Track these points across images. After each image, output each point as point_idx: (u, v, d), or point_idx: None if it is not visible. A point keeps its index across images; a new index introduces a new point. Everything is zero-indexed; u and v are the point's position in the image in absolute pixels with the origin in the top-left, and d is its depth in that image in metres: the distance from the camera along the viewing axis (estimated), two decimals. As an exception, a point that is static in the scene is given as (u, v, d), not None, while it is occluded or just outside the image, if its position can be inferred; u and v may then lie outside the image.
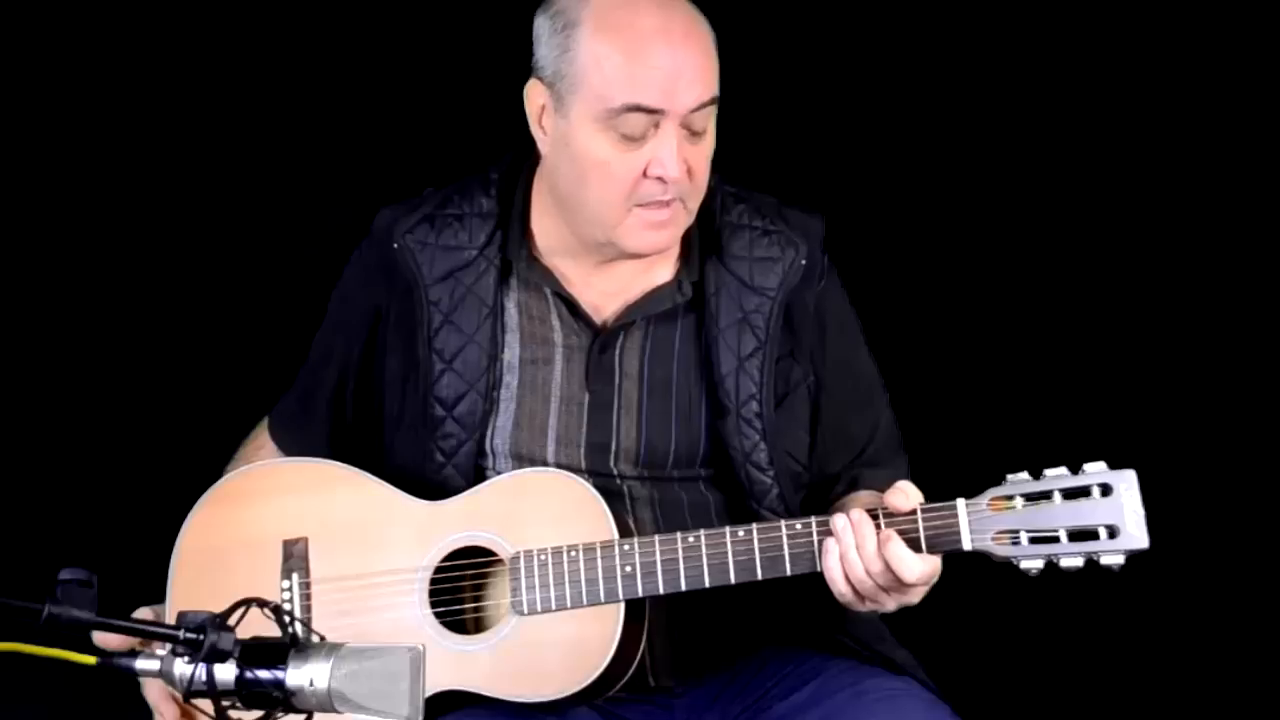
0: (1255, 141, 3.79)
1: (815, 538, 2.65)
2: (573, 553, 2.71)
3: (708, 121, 2.73)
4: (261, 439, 3.03)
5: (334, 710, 2.05)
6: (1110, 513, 2.55)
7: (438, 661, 2.67)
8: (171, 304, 3.84)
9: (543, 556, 2.71)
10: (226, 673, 2.06)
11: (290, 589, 2.79)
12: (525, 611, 2.71)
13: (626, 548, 2.69)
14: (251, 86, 3.81)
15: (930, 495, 2.66)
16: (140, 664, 2.10)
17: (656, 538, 2.70)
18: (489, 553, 2.75)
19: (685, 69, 2.69)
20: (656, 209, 2.73)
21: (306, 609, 2.77)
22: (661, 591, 2.69)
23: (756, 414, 2.82)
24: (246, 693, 2.06)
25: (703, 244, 2.86)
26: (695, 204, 2.78)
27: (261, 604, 2.12)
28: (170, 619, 2.74)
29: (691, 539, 2.68)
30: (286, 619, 2.10)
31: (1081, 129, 3.85)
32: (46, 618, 2.05)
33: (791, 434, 2.86)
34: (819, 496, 2.90)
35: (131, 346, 3.83)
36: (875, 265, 3.52)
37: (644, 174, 2.71)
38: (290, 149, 3.84)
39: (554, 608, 2.71)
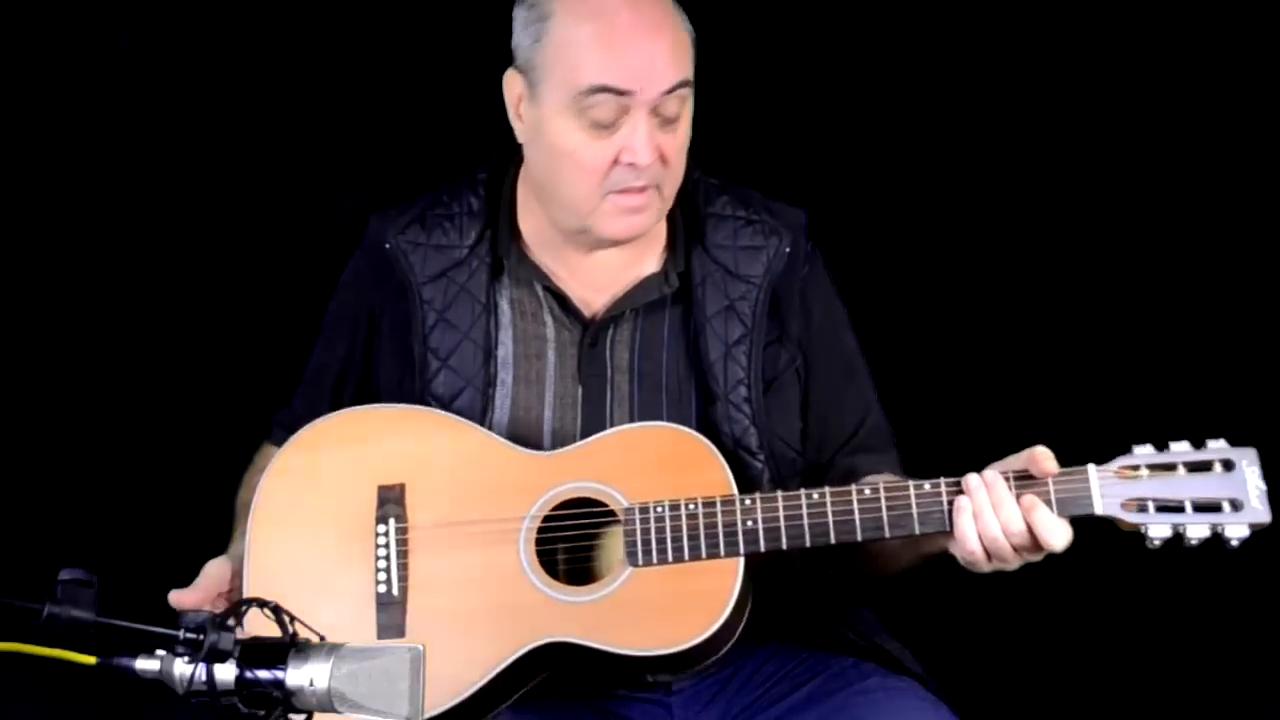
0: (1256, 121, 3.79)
1: (945, 497, 2.65)
2: (691, 506, 2.68)
3: (681, 107, 2.74)
4: (269, 454, 3.01)
5: (334, 710, 2.05)
6: (1233, 487, 2.60)
7: (541, 612, 2.66)
8: (170, 306, 3.84)
9: (659, 510, 2.68)
10: (226, 673, 2.06)
11: (386, 534, 2.73)
12: (641, 563, 2.68)
13: (748, 503, 2.67)
14: (248, 93, 3.81)
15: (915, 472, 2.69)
16: (140, 664, 2.10)
17: (780, 494, 2.68)
18: (599, 505, 2.73)
19: (655, 52, 2.71)
20: (631, 195, 2.74)
21: (403, 554, 2.71)
22: (785, 547, 2.66)
23: (745, 399, 2.83)
24: (246, 693, 2.07)
25: (688, 235, 2.88)
26: (671, 191, 2.79)
27: (261, 604, 2.12)
28: (247, 570, 2.73)
29: (816, 495, 2.67)
30: (286, 619, 2.11)
31: (1068, 117, 3.84)
32: (46, 618, 2.05)
33: (783, 419, 2.87)
34: (813, 485, 2.90)
35: (131, 348, 3.82)
36: (863, 258, 3.52)
37: (616, 161, 2.72)
38: (286, 155, 3.84)
39: (671, 560, 2.67)
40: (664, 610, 2.66)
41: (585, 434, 2.83)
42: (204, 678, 2.06)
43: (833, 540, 2.66)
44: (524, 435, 2.83)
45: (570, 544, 2.73)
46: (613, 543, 2.71)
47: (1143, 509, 2.61)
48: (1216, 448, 2.62)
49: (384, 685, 2.06)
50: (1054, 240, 3.87)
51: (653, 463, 2.72)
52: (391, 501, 2.74)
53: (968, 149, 3.87)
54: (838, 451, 2.92)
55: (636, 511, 2.69)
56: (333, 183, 3.85)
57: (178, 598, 2.72)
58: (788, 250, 2.87)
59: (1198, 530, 2.60)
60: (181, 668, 2.07)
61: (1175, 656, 3.81)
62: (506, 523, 2.71)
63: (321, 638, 2.11)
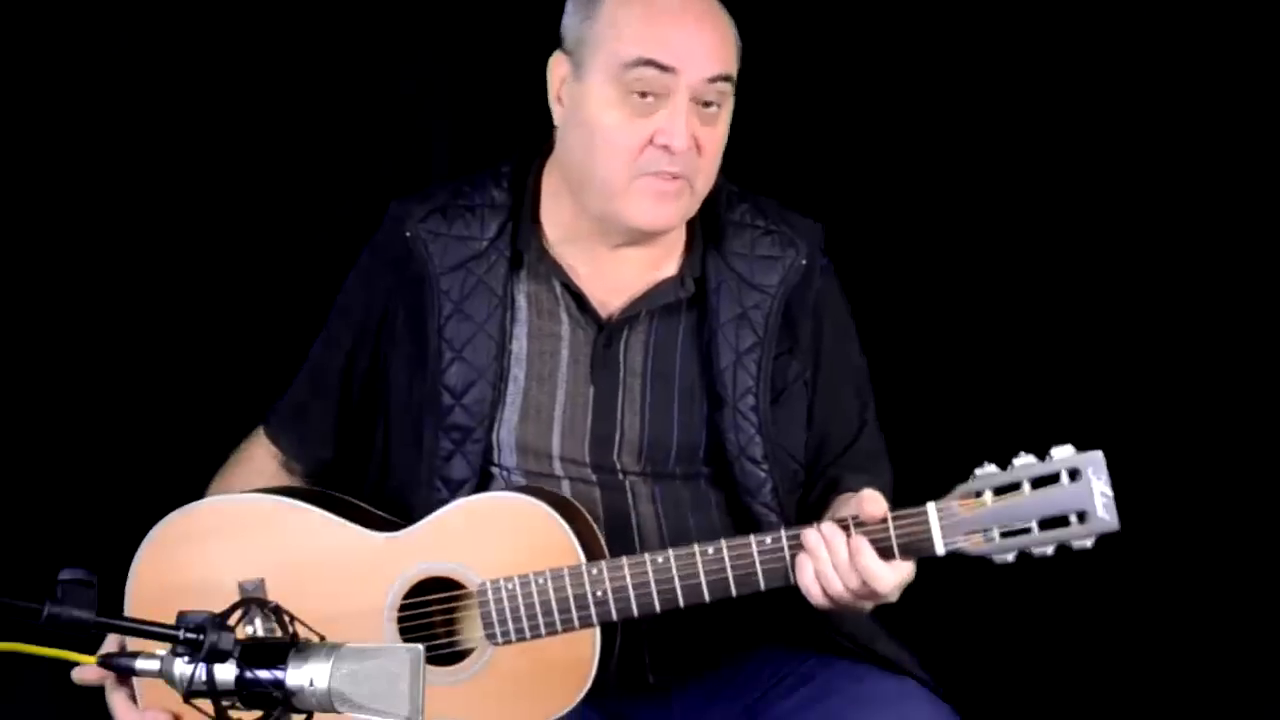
0: (1252, 141, 3.79)
1: (787, 552, 2.65)
2: (540, 580, 2.69)
3: (721, 99, 2.75)
4: (251, 450, 3.01)
5: (334, 710, 2.05)
6: (1078, 498, 2.55)
7: None
8: (172, 304, 3.84)
9: (510, 586, 2.69)
10: (226, 673, 2.06)
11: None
12: (500, 641, 2.70)
13: (595, 573, 2.68)
14: (254, 85, 3.81)
15: (911, 488, 2.68)
16: (140, 664, 2.10)
17: (625, 560, 2.68)
18: (454, 584, 2.74)
19: (701, 37, 2.74)
20: (662, 180, 2.74)
21: None
22: (636, 615, 2.68)
23: (752, 407, 2.83)
24: (246, 693, 2.06)
25: (705, 240, 2.87)
26: (703, 187, 2.79)
27: (261, 604, 2.12)
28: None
29: (660, 559, 2.67)
30: (286, 619, 2.11)
31: (1074, 142, 3.84)
32: (46, 618, 2.05)
33: (789, 430, 2.87)
34: (804, 496, 2.91)
35: (132, 347, 3.82)
36: (868, 270, 3.53)
37: (650, 142, 2.72)
38: (293, 149, 3.84)
39: (529, 636, 2.69)
40: (529, 686, 2.70)
41: (595, 435, 2.85)
42: (204, 678, 2.06)
43: (681, 604, 2.67)
44: (534, 433, 2.84)
45: (434, 625, 2.74)
46: (474, 619, 2.73)
47: (988, 539, 2.58)
48: (1061, 457, 2.55)
49: (384, 685, 2.06)
50: (1056, 248, 3.86)
51: (499, 534, 2.73)
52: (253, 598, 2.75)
53: (970, 165, 3.86)
54: (827, 466, 2.93)
55: (489, 589, 2.70)
56: (334, 182, 3.84)
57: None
58: (804, 262, 2.87)
59: (1043, 549, 2.56)
60: (181, 668, 2.07)
61: (1175, 656, 3.81)
62: (368, 613, 2.73)
63: (321, 637, 2.11)
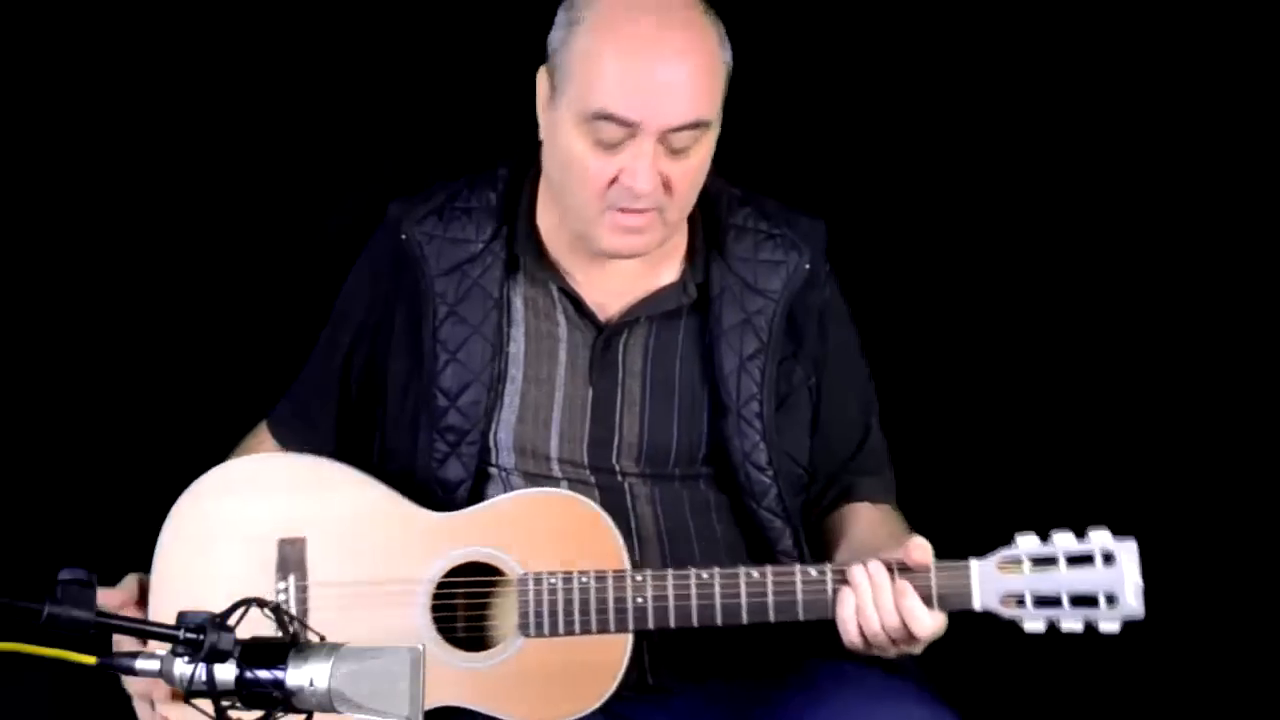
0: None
1: (830, 586, 2.67)
2: (584, 579, 2.70)
3: (691, 143, 2.69)
4: (261, 435, 3.03)
5: (334, 710, 2.05)
6: (1111, 581, 2.62)
7: (438, 675, 2.67)
8: (173, 304, 3.83)
9: (552, 580, 2.70)
10: (226, 673, 2.06)
11: (286, 590, 2.75)
12: (532, 634, 2.71)
13: (639, 579, 2.69)
14: (254, 86, 3.81)
15: (939, 537, 2.71)
16: (140, 664, 2.11)
17: (670, 572, 2.70)
18: (495, 570, 2.74)
19: (669, 87, 2.66)
20: (630, 215, 2.72)
21: (303, 612, 2.73)
22: (672, 625, 2.69)
23: (757, 414, 2.83)
24: (246, 693, 2.07)
25: (708, 246, 2.87)
26: (676, 215, 2.77)
27: (261, 604, 2.12)
28: (153, 607, 2.75)
29: (705, 575, 2.68)
30: (286, 619, 2.10)
31: (1098, 159, 3.83)
32: (46, 618, 2.05)
33: (793, 436, 2.87)
34: (813, 500, 2.91)
35: (132, 346, 3.82)
36: (876, 275, 3.52)
37: (616, 179, 2.69)
38: (291, 150, 3.83)
39: (562, 633, 2.70)
40: (553, 682, 2.70)
41: (593, 437, 2.85)
42: (204, 678, 2.06)
43: (719, 622, 2.69)
44: (531, 435, 2.84)
45: (466, 608, 2.74)
46: (509, 609, 2.73)
47: (1020, 603, 2.65)
48: (1099, 539, 2.63)
49: (384, 685, 2.06)
50: (1060, 259, 3.85)
51: (549, 531, 2.74)
52: (292, 556, 2.75)
53: (998, 175, 3.86)
54: (837, 470, 2.94)
55: (530, 581, 2.71)
56: (334, 182, 3.84)
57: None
58: (807, 266, 2.87)
59: (1071, 625, 2.64)
60: (181, 668, 2.07)
61: (1176, 656, 3.81)
62: (405, 584, 2.73)
63: (322, 638, 2.11)
